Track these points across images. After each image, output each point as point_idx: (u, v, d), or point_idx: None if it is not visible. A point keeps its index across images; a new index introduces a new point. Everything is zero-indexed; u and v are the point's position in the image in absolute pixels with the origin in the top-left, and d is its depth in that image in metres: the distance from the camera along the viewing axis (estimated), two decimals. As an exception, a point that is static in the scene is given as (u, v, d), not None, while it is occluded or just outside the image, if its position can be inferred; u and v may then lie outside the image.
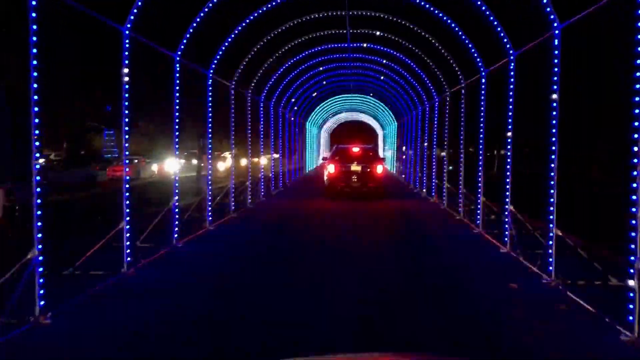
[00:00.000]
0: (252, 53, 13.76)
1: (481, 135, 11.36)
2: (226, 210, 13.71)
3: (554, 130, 7.44)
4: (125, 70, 7.48)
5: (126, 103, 7.56)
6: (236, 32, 11.54)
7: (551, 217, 7.46)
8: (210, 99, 11.76)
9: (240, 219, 13.57)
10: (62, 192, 21.46)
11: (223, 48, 11.60)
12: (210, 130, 11.88)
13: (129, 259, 7.73)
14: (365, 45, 16.72)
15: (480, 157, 11.59)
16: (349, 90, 28.35)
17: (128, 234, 7.72)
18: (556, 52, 7.41)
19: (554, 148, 7.45)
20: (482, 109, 11.36)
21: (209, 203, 11.89)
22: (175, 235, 9.90)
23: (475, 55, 11.37)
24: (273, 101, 19.86)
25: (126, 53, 7.58)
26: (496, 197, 11.45)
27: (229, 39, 11.53)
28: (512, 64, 9.53)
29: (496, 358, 5.18)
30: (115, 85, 7.68)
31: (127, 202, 7.72)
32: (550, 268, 7.42)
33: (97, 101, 40.96)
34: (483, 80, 11.47)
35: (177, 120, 9.72)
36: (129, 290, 7.09)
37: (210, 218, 11.93)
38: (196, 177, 26.70)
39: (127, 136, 7.76)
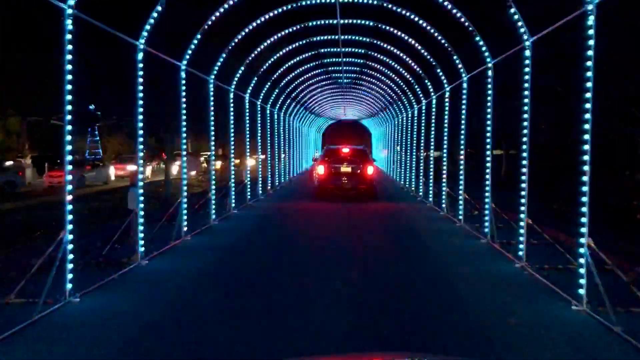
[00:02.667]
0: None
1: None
2: (175, 233, 10.23)
3: None
4: None
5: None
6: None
7: None
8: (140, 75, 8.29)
9: (188, 248, 10.03)
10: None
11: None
12: (141, 124, 8.39)
13: None
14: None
15: (525, 157, 8.21)
16: (341, 89, 26.68)
17: None
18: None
19: None
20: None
21: (141, 228, 8.40)
22: (69, 285, 6.40)
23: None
24: (248, 94, 16.46)
25: None
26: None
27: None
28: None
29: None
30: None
31: None
32: None
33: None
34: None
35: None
36: None
37: (142, 249, 8.43)
38: (164, 182, 23.24)
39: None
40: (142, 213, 8.44)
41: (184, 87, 10.45)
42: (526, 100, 8.08)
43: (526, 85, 8.10)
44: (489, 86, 10.19)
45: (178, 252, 9.42)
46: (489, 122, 10.20)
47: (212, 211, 12.57)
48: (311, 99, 28.31)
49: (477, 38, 10.08)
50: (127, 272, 7.84)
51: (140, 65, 8.30)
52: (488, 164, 10.30)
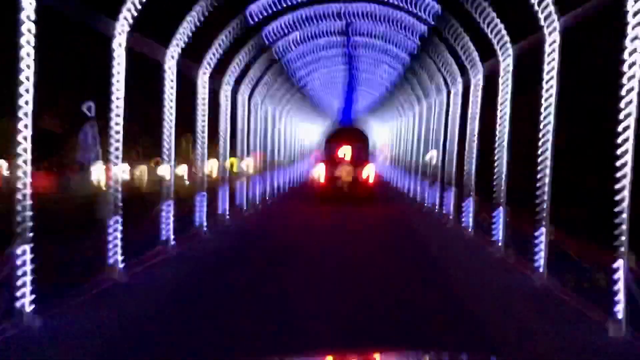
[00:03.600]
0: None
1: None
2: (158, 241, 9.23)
3: None
4: None
5: None
6: None
7: None
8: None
9: (173, 260, 9.10)
10: None
11: None
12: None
13: None
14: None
15: (547, 157, 7.26)
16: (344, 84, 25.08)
17: None
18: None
19: None
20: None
21: (117, 238, 7.49)
22: (29, 308, 5.49)
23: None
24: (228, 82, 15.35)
25: None
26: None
27: None
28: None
29: None
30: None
31: None
32: None
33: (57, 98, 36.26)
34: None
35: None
36: None
37: (121, 263, 7.53)
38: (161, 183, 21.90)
39: None
40: (119, 222, 7.54)
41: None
42: (552, 92, 7.14)
43: (552, 75, 7.16)
44: (508, 77, 9.23)
45: (160, 265, 8.46)
46: (506, 117, 9.26)
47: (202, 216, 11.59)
48: (312, 93, 27.11)
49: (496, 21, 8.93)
50: (99, 290, 6.91)
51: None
52: (504, 165, 9.35)
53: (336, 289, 7.04)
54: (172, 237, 9.14)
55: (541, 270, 7.14)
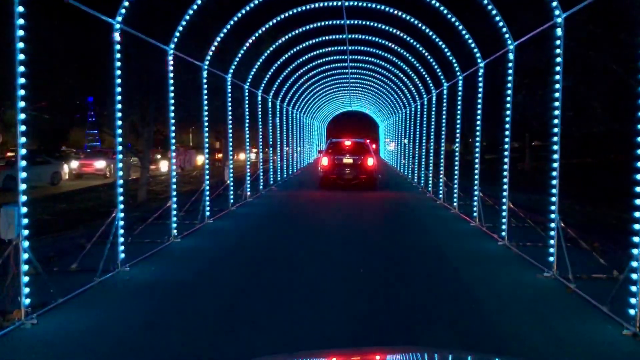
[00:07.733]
0: None
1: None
2: (103, 263, 7.15)
3: None
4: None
5: None
6: None
7: None
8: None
9: (119, 288, 6.92)
10: None
11: None
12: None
13: None
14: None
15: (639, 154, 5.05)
16: (347, 78, 24.60)
17: None
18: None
19: None
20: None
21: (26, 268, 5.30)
22: None
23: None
24: (230, 74, 13.35)
25: None
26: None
27: None
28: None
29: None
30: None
31: None
32: None
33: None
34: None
35: None
36: None
37: (27, 300, 5.34)
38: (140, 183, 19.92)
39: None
40: (26, 243, 5.37)
41: (118, 52, 7.31)
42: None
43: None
44: (558, 50, 7.01)
45: (99, 297, 6.29)
46: (557, 104, 7.04)
47: (174, 225, 9.48)
48: (315, 88, 25.35)
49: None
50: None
51: (20, 9, 5.22)
52: (555, 163, 7.13)
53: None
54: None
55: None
